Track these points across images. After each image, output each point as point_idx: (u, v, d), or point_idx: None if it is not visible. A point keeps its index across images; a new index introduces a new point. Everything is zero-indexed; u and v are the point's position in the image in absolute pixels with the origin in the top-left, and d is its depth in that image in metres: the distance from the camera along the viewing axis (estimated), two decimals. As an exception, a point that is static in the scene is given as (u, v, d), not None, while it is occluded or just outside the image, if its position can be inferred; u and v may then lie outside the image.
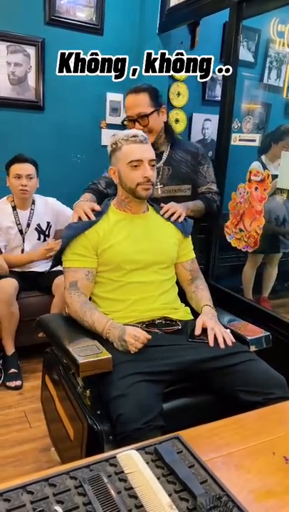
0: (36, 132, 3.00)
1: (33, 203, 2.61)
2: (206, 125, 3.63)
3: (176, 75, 3.33)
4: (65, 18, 2.88)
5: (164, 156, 1.93)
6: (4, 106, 2.85)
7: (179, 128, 3.48)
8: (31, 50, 2.83)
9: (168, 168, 1.92)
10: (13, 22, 2.75)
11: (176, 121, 3.46)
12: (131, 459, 0.73)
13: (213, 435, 0.92)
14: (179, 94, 3.35)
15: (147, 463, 0.73)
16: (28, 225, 2.58)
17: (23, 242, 2.59)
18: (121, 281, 1.52)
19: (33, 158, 2.55)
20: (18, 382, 2.33)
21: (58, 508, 0.66)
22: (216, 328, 1.43)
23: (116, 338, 1.36)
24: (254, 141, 2.47)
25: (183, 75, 3.35)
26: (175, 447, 0.77)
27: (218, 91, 3.51)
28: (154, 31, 3.07)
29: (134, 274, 1.52)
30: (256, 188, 2.26)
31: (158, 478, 0.73)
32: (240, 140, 2.44)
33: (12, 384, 2.33)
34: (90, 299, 1.57)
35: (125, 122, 1.89)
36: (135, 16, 3.10)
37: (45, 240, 2.66)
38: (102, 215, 1.56)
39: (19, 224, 2.56)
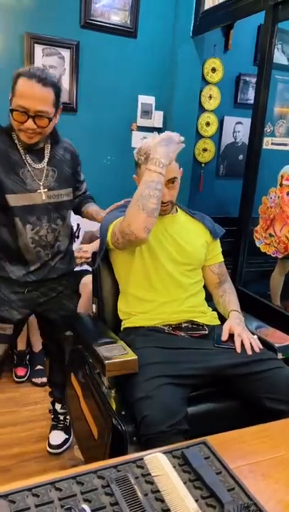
0: (69, 134, 3.01)
1: None
2: (237, 128, 3.60)
3: (210, 78, 3.32)
4: (100, 22, 2.92)
5: (46, 155, 1.60)
6: (38, 107, 2.90)
7: (209, 131, 3.46)
8: (66, 53, 2.87)
9: (52, 169, 1.60)
10: (49, 25, 2.80)
11: (207, 124, 3.44)
12: (158, 461, 0.72)
13: (241, 442, 0.90)
14: (210, 97, 3.34)
15: (174, 467, 0.73)
16: None
17: None
18: (148, 277, 1.53)
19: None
20: (44, 379, 2.37)
21: (85, 506, 0.66)
22: (244, 335, 1.41)
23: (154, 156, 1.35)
24: (287, 145, 2.44)
25: (216, 77, 3.34)
26: (202, 452, 0.77)
27: (250, 94, 3.48)
28: (187, 34, 3.07)
29: (162, 274, 1.52)
30: (288, 193, 2.23)
31: (184, 483, 0.73)
32: (272, 144, 2.41)
33: (38, 380, 2.37)
34: (119, 296, 1.60)
35: (14, 113, 1.44)
36: (169, 18, 3.11)
37: (74, 242, 2.70)
38: None
39: None
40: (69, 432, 1.95)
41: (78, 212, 1.87)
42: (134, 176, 1.57)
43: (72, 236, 1.88)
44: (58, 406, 1.97)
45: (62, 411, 1.97)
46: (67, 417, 1.96)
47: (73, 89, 2.96)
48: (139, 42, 3.09)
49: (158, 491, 0.72)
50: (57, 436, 1.93)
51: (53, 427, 1.96)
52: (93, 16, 2.89)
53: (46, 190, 1.56)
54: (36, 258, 1.59)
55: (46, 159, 1.58)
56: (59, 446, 1.90)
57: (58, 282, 1.69)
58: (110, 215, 1.56)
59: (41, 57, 2.83)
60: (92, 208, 1.83)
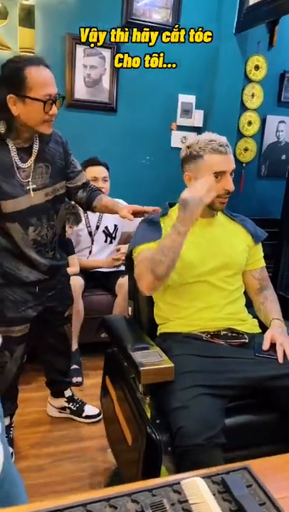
0: (108, 134, 3.04)
1: None
2: (280, 127, 3.50)
3: (252, 76, 3.24)
4: (141, 21, 2.90)
5: (35, 152, 1.54)
6: (79, 107, 2.92)
7: (251, 130, 3.38)
8: (107, 53, 2.87)
9: (45, 165, 1.56)
10: (91, 26, 2.81)
11: (249, 123, 3.35)
12: (196, 487, 0.68)
13: (287, 470, 0.83)
14: (253, 95, 3.25)
15: (214, 494, 0.68)
16: (97, 228, 2.65)
17: (92, 243, 2.66)
18: (186, 286, 1.48)
19: (105, 160, 2.60)
20: (79, 379, 2.38)
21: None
22: (286, 344, 1.34)
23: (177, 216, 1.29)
24: None
25: (259, 75, 3.25)
26: (244, 479, 0.71)
27: (295, 92, 3.36)
28: (230, 31, 3.00)
29: (200, 280, 1.48)
30: None
31: (225, 514, 0.67)
32: None
33: (73, 380, 2.37)
34: (154, 304, 1.55)
35: (46, 104, 1.44)
36: (212, 15, 3.05)
37: (111, 243, 2.71)
38: (165, 215, 1.55)
39: (89, 226, 2.64)
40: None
41: (90, 207, 1.79)
42: (185, 174, 1.51)
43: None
44: (68, 392, 2.08)
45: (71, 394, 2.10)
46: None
47: (113, 90, 2.97)
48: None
49: (195, 521, 0.67)
50: (91, 409, 2.08)
51: (80, 406, 2.08)
52: (135, 15, 2.88)
53: (42, 187, 1.56)
54: (41, 257, 1.64)
55: (34, 157, 1.55)
56: (98, 415, 2.05)
57: (61, 273, 1.78)
58: (139, 232, 1.51)
59: (82, 58, 2.85)
60: (105, 200, 1.78)
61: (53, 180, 1.60)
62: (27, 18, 2.63)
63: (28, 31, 2.65)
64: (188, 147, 1.48)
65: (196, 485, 0.68)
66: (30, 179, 1.54)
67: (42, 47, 2.76)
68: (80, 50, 2.82)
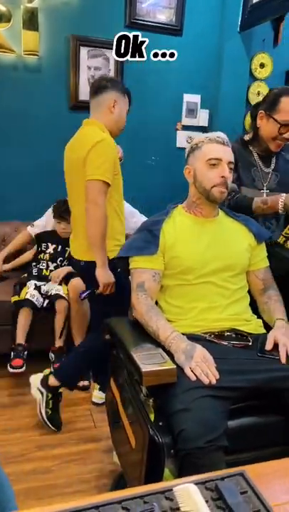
0: (113, 134, 3.03)
1: None
2: (287, 125, 3.45)
3: (258, 74, 3.21)
4: (145, 21, 2.89)
5: (273, 162, 1.86)
6: (83, 109, 2.91)
7: (257, 129, 3.34)
8: (111, 54, 2.87)
9: (276, 174, 1.85)
10: (94, 27, 2.81)
11: (255, 121, 3.32)
12: (189, 494, 0.66)
13: (285, 475, 0.80)
14: (259, 93, 3.22)
15: (207, 501, 0.67)
16: None
17: None
18: (188, 287, 1.48)
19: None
20: (86, 383, 2.37)
21: None
22: (289, 345, 1.33)
23: (180, 350, 1.28)
24: None
25: (265, 73, 3.22)
26: (239, 486, 0.69)
27: (301, 89, 3.32)
28: (235, 29, 2.98)
29: (203, 281, 1.47)
30: None
31: (217, 522, 0.66)
32: None
33: (80, 383, 2.37)
34: (157, 303, 1.54)
35: (282, 128, 1.72)
36: (216, 14, 3.03)
37: None
38: (166, 216, 1.54)
39: None
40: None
41: None
42: (185, 167, 1.55)
43: None
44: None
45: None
46: None
47: (118, 90, 2.95)
48: (184, 40, 3.04)
49: (186, 529, 0.65)
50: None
51: None
52: (138, 16, 2.88)
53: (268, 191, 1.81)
54: None
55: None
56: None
57: None
58: (137, 238, 1.53)
59: (86, 59, 2.85)
60: None
61: (278, 188, 1.84)
62: (30, 20, 2.64)
63: (31, 34, 2.66)
64: (191, 144, 1.53)
65: (188, 492, 0.66)
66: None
67: (46, 49, 2.77)
68: (83, 51, 2.82)
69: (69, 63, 2.82)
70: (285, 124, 1.72)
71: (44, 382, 2.00)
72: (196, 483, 0.69)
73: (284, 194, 1.65)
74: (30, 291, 2.42)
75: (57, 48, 2.80)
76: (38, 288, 2.47)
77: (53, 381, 1.97)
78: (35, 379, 2.04)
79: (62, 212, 2.53)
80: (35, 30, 2.67)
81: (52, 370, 2.07)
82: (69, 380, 2.04)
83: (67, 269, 2.55)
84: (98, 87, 1.94)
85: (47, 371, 2.05)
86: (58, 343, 2.43)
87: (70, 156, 1.97)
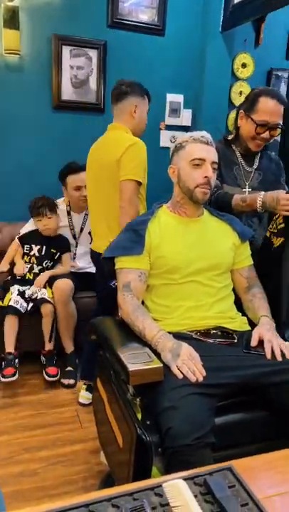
0: (97, 134, 3.01)
1: (87, 207, 2.62)
2: (269, 125, 3.49)
3: (240, 74, 3.24)
4: (127, 20, 2.89)
5: (256, 161, 1.88)
6: (66, 108, 2.91)
7: (240, 128, 3.38)
8: (93, 53, 2.86)
9: (258, 173, 1.87)
10: (76, 26, 2.80)
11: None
12: (178, 489, 0.67)
13: (271, 468, 0.82)
14: (241, 93, 3.25)
15: (195, 496, 0.67)
16: (82, 230, 2.61)
17: (76, 246, 2.63)
18: (174, 286, 1.49)
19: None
20: (71, 381, 2.37)
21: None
22: (274, 341, 1.35)
23: (167, 349, 1.28)
24: None
25: (247, 73, 3.25)
26: (227, 480, 0.70)
27: (283, 89, 3.37)
28: (216, 29, 3.00)
29: (188, 280, 1.48)
30: None
31: (206, 516, 0.66)
32: (306, 141, 2.31)
33: (65, 382, 2.36)
34: (143, 303, 1.55)
35: (258, 128, 1.73)
36: (198, 14, 3.05)
37: None
38: (151, 216, 1.55)
39: (72, 229, 2.59)
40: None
41: None
42: (170, 166, 1.56)
43: None
44: None
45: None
46: None
47: (101, 90, 2.96)
48: (166, 40, 3.05)
49: (177, 524, 0.66)
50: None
51: None
52: (120, 15, 2.87)
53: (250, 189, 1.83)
54: None
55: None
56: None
57: None
58: (122, 238, 1.54)
59: (69, 59, 2.84)
60: None
61: (259, 187, 1.86)
62: (11, 19, 2.61)
63: (12, 33, 2.63)
64: (176, 144, 1.55)
65: (177, 487, 0.67)
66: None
67: (28, 48, 2.74)
68: (66, 50, 2.80)
69: (51, 63, 2.80)
70: (261, 124, 1.72)
71: (90, 389, 2.17)
72: (185, 479, 0.70)
73: (262, 192, 1.62)
74: (13, 297, 2.38)
75: (39, 47, 2.78)
76: (21, 293, 2.43)
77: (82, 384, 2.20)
78: (81, 397, 2.22)
79: (40, 208, 2.50)
80: (16, 29, 2.64)
81: (80, 380, 2.31)
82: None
83: (49, 273, 2.51)
84: (118, 95, 2.05)
85: (80, 386, 2.27)
86: (48, 346, 2.41)
87: (99, 158, 2.04)
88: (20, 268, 2.51)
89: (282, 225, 1.63)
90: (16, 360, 2.31)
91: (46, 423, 2.07)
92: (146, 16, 2.95)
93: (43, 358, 2.43)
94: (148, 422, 1.21)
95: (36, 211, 2.53)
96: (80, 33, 2.81)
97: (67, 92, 2.88)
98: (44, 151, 2.90)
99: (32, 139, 2.87)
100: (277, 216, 1.67)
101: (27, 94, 2.82)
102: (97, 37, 2.85)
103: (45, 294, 2.42)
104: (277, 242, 1.65)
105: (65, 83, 2.85)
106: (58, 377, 2.37)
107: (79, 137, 2.96)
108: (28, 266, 2.54)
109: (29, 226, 2.63)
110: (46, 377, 2.35)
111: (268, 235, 1.74)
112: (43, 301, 2.38)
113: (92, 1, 2.82)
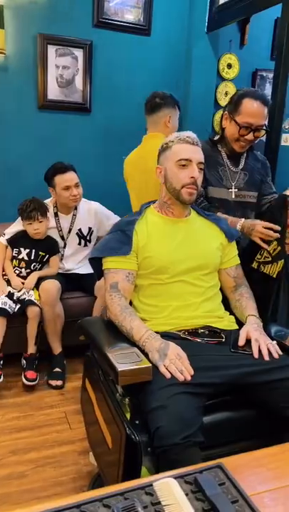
0: (83, 134, 3.02)
1: (75, 207, 2.61)
2: (254, 125, 3.52)
3: (225, 74, 3.26)
4: (113, 20, 2.89)
5: (242, 162, 1.89)
6: (52, 108, 2.89)
7: (226, 128, 3.40)
8: (79, 53, 2.85)
9: (244, 173, 1.88)
10: (62, 26, 2.79)
11: (224, 121, 3.37)
12: (169, 488, 0.67)
13: (261, 465, 0.83)
14: (226, 93, 3.27)
15: (186, 494, 0.68)
16: (70, 231, 2.59)
17: (64, 247, 2.60)
18: (162, 286, 1.49)
19: (80, 161, 2.56)
20: (59, 382, 2.35)
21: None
22: (261, 340, 1.36)
23: (154, 349, 1.29)
24: (306, 141, 2.37)
25: (232, 73, 3.27)
26: (217, 478, 0.71)
27: (268, 89, 3.39)
28: (202, 30, 3.02)
29: (176, 280, 1.49)
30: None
31: (197, 514, 0.67)
32: (291, 141, 2.34)
33: (53, 383, 2.35)
34: (131, 303, 1.55)
35: (242, 130, 1.74)
36: (183, 15, 3.06)
37: (86, 245, 2.64)
38: (139, 216, 1.55)
39: (60, 230, 2.57)
40: None
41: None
42: (156, 167, 1.57)
43: None
44: None
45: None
46: None
47: (87, 89, 2.95)
48: (152, 40, 3.05)
49: (168, 523, 0.66)
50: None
51: None
52: (106, 15, 2.87)
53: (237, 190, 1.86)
54: None
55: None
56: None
57: None
58: (110, 239, 1.53)
59: (54, 58, 2.82)
60: None
61: (247, 187, 1.90)
62: (-4, 18, 2.58)
63: (-3, 32, 2.61)
64: (162, 144, 1.54)
65: (168, 486, 0.67)
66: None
67: (13, 47, 2.72)
68: (51, 50, 2.79)
69: (37, 62, 2.78)
70: (244, 126, 1.73)
71: None
72: (176, 477, 0.70)
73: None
74: (1, 298, 2.36)
75: (24, 47, 2.75)
76: (9, 295, 2.40)
77: None
78: None
79: (31, 212, 2.43)
80: (1, 28, 2.61)
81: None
82: None
83: (37, 274, 2.49)
84: (153, 107, 2.19)
85: None
86: (31, 349, 2.38)
87: (143, 166, 2.12)
88: (17, 285, 2.46)
89: (279, 248, 1.64)
90: (1, 362, 2.29)
91: (34, 425, 2.05)
92: (132, 15, 2.95)
93: (23, 361, 2.39)
94: (137, 422, 1.21)
95: (27, 215, 2.44)
96: (65, 33, 2.80)
97: (53, 92, 2.86)
98: (29, 151, 2.88)
99: (17, 139, 2.85)
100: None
101: (12, 94, 2.79)
102: (82, 36, 2.83)
103: (32, 295, 2.40)
104: (275, 268, 1.66)
105: (51, 83, 2.84)
106: (37, 381, 2.33)
107: (65, 137, 2.95)
108: (18, 271, 2.50)
109: (16, 226, 2.57)
110: (24, 381, 2.30)
111: (255, 266, 1.74)
112: (29, 303, 2.35)
113: (78, 1, 2.81)
